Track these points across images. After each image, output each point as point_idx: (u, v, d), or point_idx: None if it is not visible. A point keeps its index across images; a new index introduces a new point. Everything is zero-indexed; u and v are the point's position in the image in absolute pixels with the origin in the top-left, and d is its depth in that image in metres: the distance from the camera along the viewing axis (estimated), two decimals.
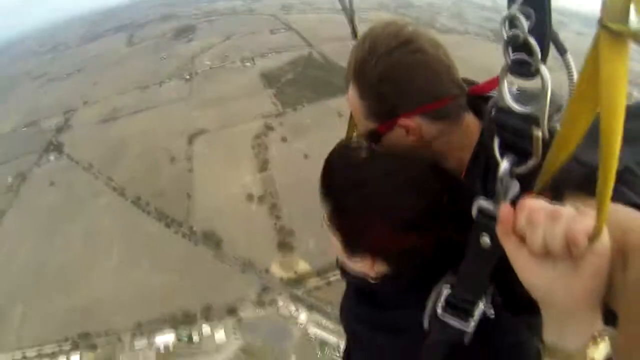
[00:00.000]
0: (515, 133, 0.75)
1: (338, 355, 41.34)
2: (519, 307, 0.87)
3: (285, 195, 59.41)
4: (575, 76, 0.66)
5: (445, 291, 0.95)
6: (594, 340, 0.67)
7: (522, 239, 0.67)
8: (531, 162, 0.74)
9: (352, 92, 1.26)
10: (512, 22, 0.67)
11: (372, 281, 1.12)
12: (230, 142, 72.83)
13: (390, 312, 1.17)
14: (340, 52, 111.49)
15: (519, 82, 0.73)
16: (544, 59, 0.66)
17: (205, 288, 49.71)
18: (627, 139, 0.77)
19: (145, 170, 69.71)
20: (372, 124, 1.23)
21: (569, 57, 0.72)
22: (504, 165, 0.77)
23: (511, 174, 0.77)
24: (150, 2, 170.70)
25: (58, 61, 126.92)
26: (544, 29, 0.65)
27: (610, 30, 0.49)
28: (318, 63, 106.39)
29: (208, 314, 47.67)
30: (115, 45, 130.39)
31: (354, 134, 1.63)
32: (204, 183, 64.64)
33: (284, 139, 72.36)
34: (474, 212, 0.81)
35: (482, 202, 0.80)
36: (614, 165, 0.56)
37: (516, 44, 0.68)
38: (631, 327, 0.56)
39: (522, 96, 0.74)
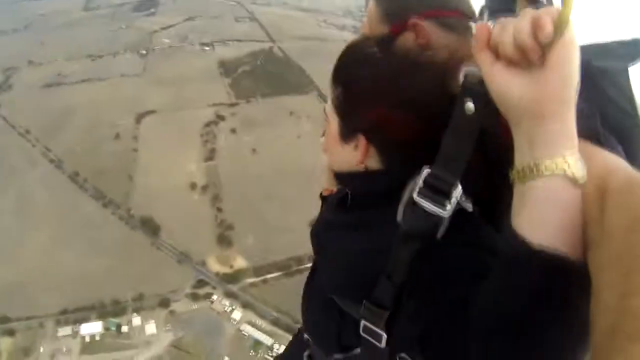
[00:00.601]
0: None
1: (271, 355, 42.51)
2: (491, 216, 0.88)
3: (228, 188, 60.12)
4: None
5: (425, 172, 0.92)
6: (571, 154, 0.65)
7: (496, 54, 0.70)
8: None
9: (372, 1, 1.36)
10: None
11: (360, 173, 1.13)
12: (179, 127, 72.43)
13: (366, 212, 1.18)
14: (301, 51, 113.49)
15: None
16: None
17: (138, 276, 49.03)
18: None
19: (87, 144, 67.72)
20: (385, 28, 1.31)
21: None
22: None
23: (491, 14, 0.83)
24: None
25: (4, 14, 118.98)
26: None
27: None
28: (277, 59, 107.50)
29: (139, 304, 46.97)
30: (70, 6, 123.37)
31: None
32: (148, 166, 63.91)
33: (233, 131, 73.04)
34: (461, 76, 0.83)
35: (468, 66, 0.82)
36: None
37: None
38: (614, 279, 0.55)
39: None
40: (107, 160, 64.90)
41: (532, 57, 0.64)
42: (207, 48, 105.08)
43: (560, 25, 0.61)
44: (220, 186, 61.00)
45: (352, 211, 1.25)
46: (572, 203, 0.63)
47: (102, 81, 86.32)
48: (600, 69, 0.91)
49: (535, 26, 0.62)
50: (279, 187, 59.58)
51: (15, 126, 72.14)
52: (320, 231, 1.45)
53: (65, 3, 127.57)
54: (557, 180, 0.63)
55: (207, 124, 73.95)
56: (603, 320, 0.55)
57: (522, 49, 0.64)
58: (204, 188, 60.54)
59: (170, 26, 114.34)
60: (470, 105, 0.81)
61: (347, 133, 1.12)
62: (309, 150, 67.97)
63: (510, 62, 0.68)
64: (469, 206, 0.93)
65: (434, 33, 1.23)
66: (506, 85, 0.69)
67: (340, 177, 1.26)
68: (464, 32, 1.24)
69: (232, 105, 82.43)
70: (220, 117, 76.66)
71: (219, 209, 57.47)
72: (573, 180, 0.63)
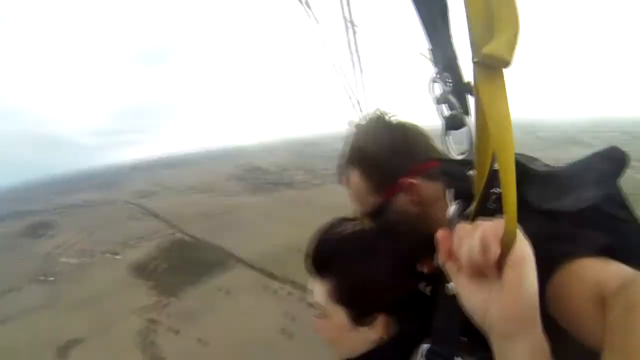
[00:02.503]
0: (459, 179, 0.87)
1: None
2: None
3: None
4: None
5: (424, 348, 0.97)
6: None
7: (459, 264, 0.72)
8: (474, 203, 0.81)
9: (353, 177, 1.38)
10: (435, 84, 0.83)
11: (377, 348, 1.12)
12: (112, 346, 66.39)
13: None
14: (208, 229, 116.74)
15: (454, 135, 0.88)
16: (465, 110, 0.79)
17: None
18: (598, 180, 0.97)
19: None
20: (378, 196, 1.33)
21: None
22: (452, 208, 0.86)
23: (459, 215, 0.85)
24: None
25: None
26: (460, 87, 0.78)
27: (481, 62, 0.56)
28: (189, 244, 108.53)
29: None
30: None
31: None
32: None
33: (171, 329, 69.11)
34: (435, 261, 0.86)
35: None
36: (512, 173, 0.60)
37: (442, 102, 0.84)
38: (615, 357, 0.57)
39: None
40: None
41: (488, 273, 0.67)
42: (115, 255, 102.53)
43: (506, 243, 0.64)
44: None
45: None
46: None
47: (10, 321, 77.15)
48: (609, 214, 0.98)
49: (483, 244, 0.64)
50: None
51: None
52: None
53: None
54: None
55: (141, 333, 68.96)
56: None
57: (477, 265, 0.67)
58: None
59: (70, 244, 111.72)
60: (450, 286, 0.83)
61: (362, 317, 1.10)
62: (261, 323, 67.56)
63: (473, 273, 0.70)
64: None
65: (422, 185, 1.28)
66: (471, 298, 0.72)
67: None
68: (442, 179, 1.28)
69: (159, 304, 79.08)
70: (152, 321, 72.36)
71: None
72: None
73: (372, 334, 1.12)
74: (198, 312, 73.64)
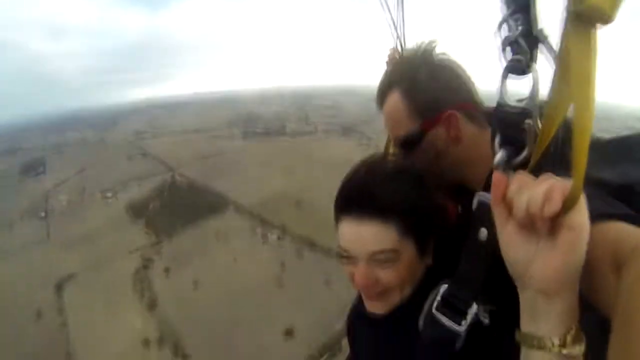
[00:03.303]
0: (511, 126, 0.84)
1: None
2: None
3: (186, 331, 57.03)
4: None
5: (443, 288, 0.99)
6: (568, 334, 0.67)
7: (510, 212, 0.71)
8: (524, 153, 0.80)
9: (394, 97, 1.31)
10: (505, 26, 0.78)
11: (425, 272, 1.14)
12: (106, 285, 68.59)
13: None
14: (203, 171, 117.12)
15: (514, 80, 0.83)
16: (533, 58, 0.75)
17: None
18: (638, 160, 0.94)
19: (7, 332, 60.14)
20: (416, 123, 1.28)
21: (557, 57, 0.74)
22: (499, 155, 0.84)
23: (506, 164, 0.84)
24: None
25: None
26: (532, 32, 0.73)
27: (578, 13, 0.54)
28: (183, 186, 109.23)
29: None
30: None
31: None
32: (86, 339, 58.03)
33: (167, 270, 71.11)
34: (475, 204, 0.88)
35: (482, 195, 0.87)
36: (588, 134, 0.60)
37: (508, 45, 0.79)
38: (627, 329, 0.57)
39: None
40: (35, 344, 57.71)
41: (540, 228, 0.66)
42: (109, 195, 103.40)
43: (568, 203, 0.63)
44: (176, 332, 57.46)
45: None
46: None
47: (5, 258, 79.08)
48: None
49: (546, 199, 0.64)
50: (237, 313, 58.96)
51: None
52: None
53: None
54: (552, 356, 0.67)
55: (136, 273, 71.24)
56: None
57: (532, 217, 0.66)
58: (160, 341, 55.92)
59: (64, 182, 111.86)
60: (483, 233, 0.85)
61: (426, 244, 1.11)
62: (249, 268, 69.13)
63: (523, 225, 0.69)
64: (485, 321, 0.95)
65: (463, 123, 1.26)
66: (514, 248, 0.72)
67: (412, 299, 1.13)
68: (484, 124, 1.28)
69: (155, 245, 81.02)
70: (148, 261, 74.62)
71: (185, 356, 53.61)
72: (568, 357, 0.66)
73: (428, 260, 1.13)
74: (191, 254, 75.42)
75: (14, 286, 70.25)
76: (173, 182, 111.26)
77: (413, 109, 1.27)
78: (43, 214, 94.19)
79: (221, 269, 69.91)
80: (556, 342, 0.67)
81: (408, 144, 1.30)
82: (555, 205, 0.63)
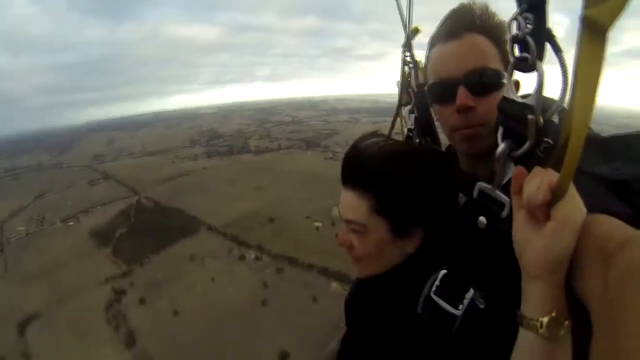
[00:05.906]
0: (514, 119, 0.88)
1: None
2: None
3: None
4: (570, 74, 0.73)
5: (442, 272, 1.03)
6: (545, 317, 0.72)
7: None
8: (526, 145, 0.86)
9: (481, 39, 1.19)
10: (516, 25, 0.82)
11: (405, 262, 1.16)
12: (75, 322, 63.33)
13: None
14: (169, 193, 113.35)
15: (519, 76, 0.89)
16: (539, 56, 0.79)
17: None
18: (634, 158, 0.97)
19: None
20: (498, 66, 1.18)
21: (564, 56, 0.79)
22: (502, 146, 0.89)
23: (508, 155, 0.89)
24: None
25: None
26: (541, 31, 0.77)
27: (584, 22, 0.57)
28: (150, 209, 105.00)
29: None
30: None
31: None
32: None
33: (142, 301, 66.85)
34: (475, 193, 0.95)
35: (482, 184, 0.94)
36: (583, 136, 0.64)
37: (516, 42, 0.83)
38: (608, 324, 0.59)
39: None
40: None
41: (538, 216, 0.73)
42: (70, 223, 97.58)
43: (556, 194, 0.69)
44: None
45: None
46: (540, 353, 0.73)
47: None
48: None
49: (539, 186, 0.71)
50: (224, 339, 56.29)
51: None
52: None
53: None
54: (536, 337, 0.73)
55: (108, 306, 66.45)
56: None
57: (529, 206, 0.73)
58: None
59: (20, 210, 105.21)
60: (482, 221, 0.91)
61: (402, 230, 1.12)
62: (232, 291, 66.64)
63: (529, 213, 0.75)
64: (481, 305, 0.98)
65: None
66: (519, 233, 0.78)
67: (384, 276, 1.20)
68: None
69: (125, 274, 76.36)
70: (120, 292, 69.87)
71: None
72: (549, 340, 0.72)
73: (408, 247, 1.15)
74: (166, 281, 71.67)
75: None
76: (139, 205, 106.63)
77: (499, 53, 1.18)
78: None
79: (200, 294, 66.97)
80: (535, 323, 0.73)
81: (488, 78, 1.16)
82: (542, 195, 0.70)
